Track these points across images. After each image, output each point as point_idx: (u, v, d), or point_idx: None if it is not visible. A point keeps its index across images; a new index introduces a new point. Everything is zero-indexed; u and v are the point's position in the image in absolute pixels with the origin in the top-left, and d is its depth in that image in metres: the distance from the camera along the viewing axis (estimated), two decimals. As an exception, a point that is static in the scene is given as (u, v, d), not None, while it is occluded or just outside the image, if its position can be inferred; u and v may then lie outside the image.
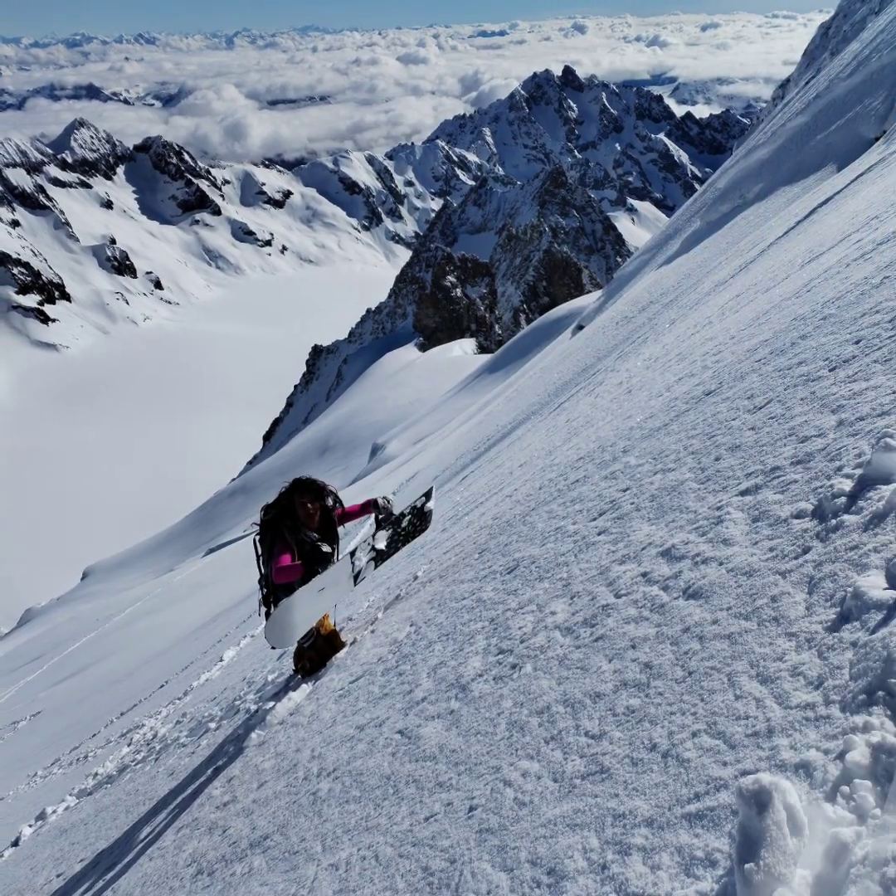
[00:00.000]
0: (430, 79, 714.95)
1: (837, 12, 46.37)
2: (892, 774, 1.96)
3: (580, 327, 37.05)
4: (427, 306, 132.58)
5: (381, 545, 7.73)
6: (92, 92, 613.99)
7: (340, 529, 7.68)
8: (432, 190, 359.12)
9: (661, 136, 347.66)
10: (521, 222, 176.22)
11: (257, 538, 7.26)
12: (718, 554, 3.52)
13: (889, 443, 3.07)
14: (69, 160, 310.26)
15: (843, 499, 3.15)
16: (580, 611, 4.08)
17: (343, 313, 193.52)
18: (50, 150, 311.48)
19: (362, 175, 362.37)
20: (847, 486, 3.21)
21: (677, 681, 2.91)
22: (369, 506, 7.81)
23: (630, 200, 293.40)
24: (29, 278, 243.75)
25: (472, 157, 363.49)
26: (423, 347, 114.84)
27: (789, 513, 3.38)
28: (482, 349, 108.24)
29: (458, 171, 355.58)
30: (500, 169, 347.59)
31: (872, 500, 3.01)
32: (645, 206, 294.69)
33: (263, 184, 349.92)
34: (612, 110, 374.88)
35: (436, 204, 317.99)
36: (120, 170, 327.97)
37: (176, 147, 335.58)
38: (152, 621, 32.67)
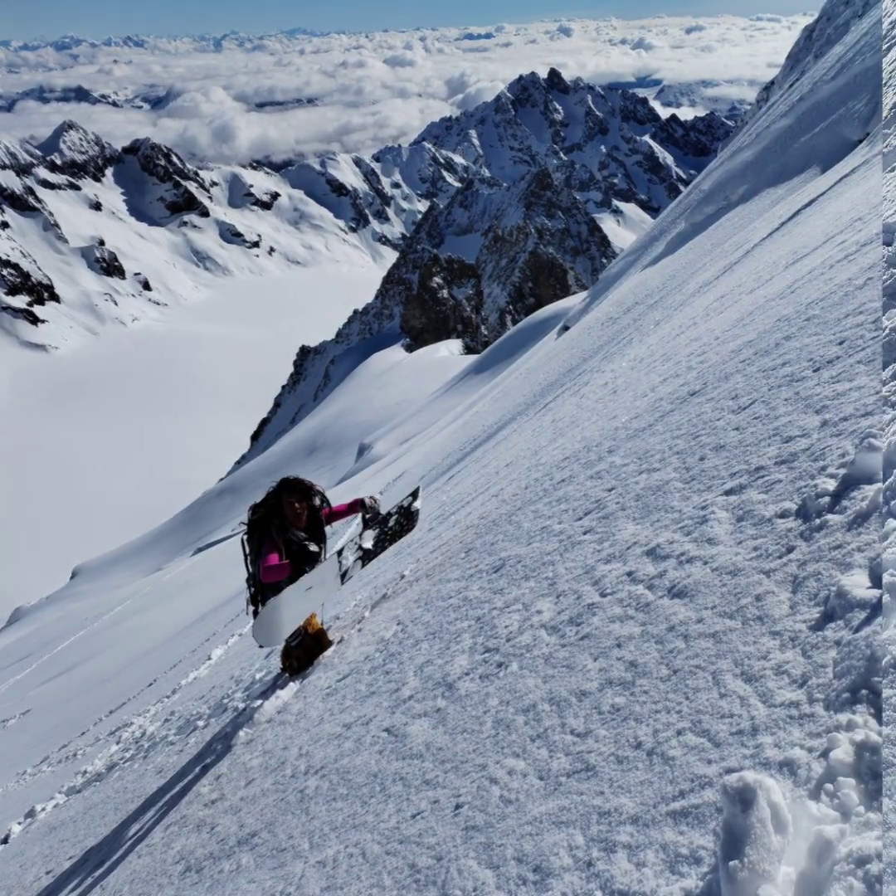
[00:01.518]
0: (416, 81, 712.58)
1: (821, 15, 46.41)
2: (875, 772, 1.98)
3: (566, 328, 37.07)
4: (414, 307, 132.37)
5: (368, 544, 7.74)
6: (81, 94, 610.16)
7: (328, 529, 7.69)
8: (419, 192, 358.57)
9: (647, 138, 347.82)
10: (507, 224, 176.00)
11: (245, 537, 7.27)
12: (703, 553, 3.53)
13: (872, 443, 3.09)
14: (58, 162, 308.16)
15: (827, 498, 3.17)
16: (566, 609, 4.09)
17: (330, 314, 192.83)
18: (39, 152, 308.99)
19: (349, 177, 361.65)
20: (831, 485, 3.22)
21: (662, 679, 2.92)
22: (356, 505, 7.83)
23: (615, 202, 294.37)
24: (18, 279, 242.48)
25: (458, 159, 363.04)
26: (410, 348, 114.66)
27: (773, 512, 3.40)
28: (468, 350, 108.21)
29: (445, 173, 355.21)
30: (487, 171, 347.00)
31: (856, 500, 3.03)
32: (630, 208, 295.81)
33: (251, 185, 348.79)
34: (597, 112, 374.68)
35: (422, 205, 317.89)
36: (108, 172, 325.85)
37: (164, 149, 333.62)
38: (141, 620, 32.60)
